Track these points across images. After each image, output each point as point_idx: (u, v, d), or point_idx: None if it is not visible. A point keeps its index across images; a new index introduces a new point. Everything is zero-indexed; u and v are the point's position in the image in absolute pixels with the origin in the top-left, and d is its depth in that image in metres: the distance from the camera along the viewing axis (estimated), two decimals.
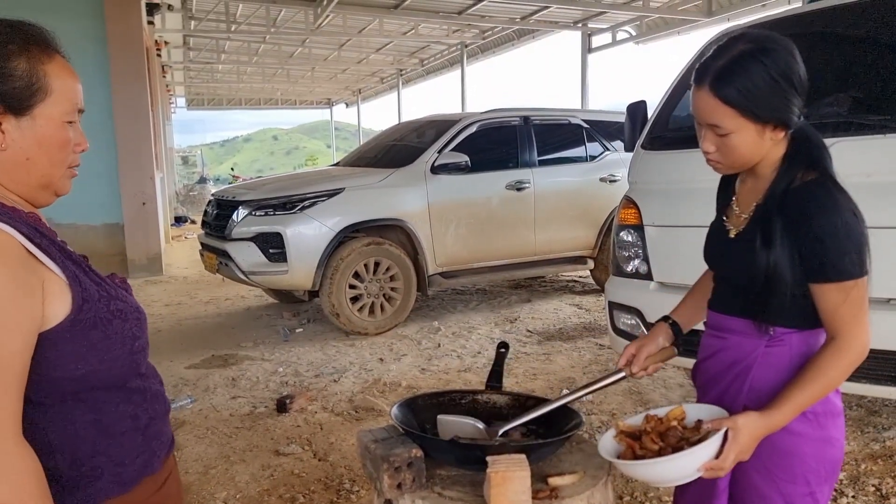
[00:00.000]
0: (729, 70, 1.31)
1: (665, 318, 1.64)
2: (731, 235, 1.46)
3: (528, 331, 5.69)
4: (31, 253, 0.99)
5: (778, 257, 1.33)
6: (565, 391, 4.19)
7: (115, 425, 1.09)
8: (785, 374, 1.38)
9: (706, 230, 1.58)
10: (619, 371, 1.58)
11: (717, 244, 1.52)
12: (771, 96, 1.30)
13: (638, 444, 1.35)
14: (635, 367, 1.56)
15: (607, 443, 1.39)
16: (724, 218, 1.51)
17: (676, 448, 1.31)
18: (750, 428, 1.28)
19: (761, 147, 1.35)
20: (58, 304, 1.01)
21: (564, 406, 1.57)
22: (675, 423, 1.37)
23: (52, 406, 1.03)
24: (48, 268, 1.01)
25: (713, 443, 1.26)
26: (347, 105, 28.87)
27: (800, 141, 1.37)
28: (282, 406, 3.96)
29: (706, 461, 1.26)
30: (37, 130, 1.06)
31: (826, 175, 1.36)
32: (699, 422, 1.35)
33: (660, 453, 1.31)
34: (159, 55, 13.56)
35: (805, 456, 1.38)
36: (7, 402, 0.94)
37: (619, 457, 1.34)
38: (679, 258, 3.22)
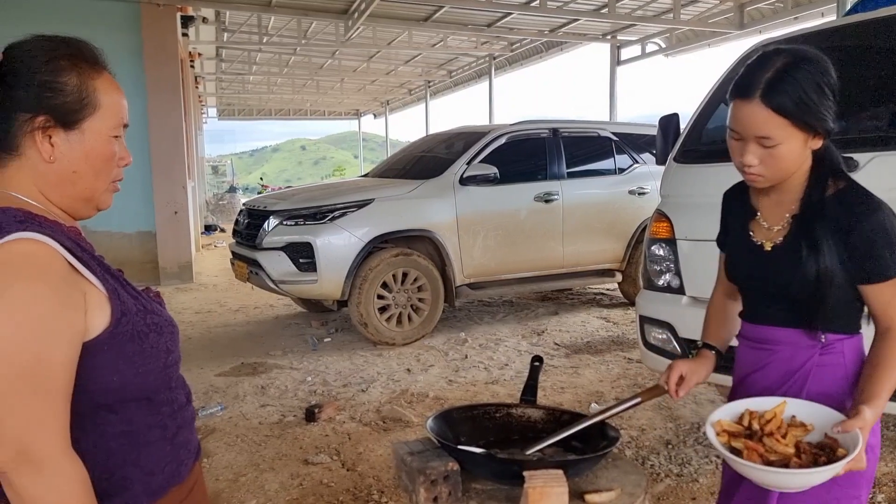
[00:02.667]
0: (780, 80, 1.33)
1: (708, 346, 1.65)
2: (767, 249, 1.48)
3: (556, 343, 5.66)
4: (73, 266, 1.01)
5: (828, 263, 1.37)
6: (594, 405, 4.16)
7: (144, 435, 1.10)
8: (841, 380, 1.42)
9: None
10: (658, 387, 1.57)
11: (749, 260, 1.52)
12: (820, 104, 1.33)
13: (762, 446, 1.31)
14: (682, 392, 1.57)
15: (720, 446, 1.33)
16: (751, 233, 1.52)
17: (805, 451, 1.29)
18: (871, 423, 1.30)
19: (803, 157, 1.39)
20: (98, 317, 1.02)
21: (601, 422, 1.56)
22: (784, 422, 1.35)
23: (85, 416, 1.04)
24: (89, 281, 1.03)
25: (862, 447, 1.25)
26: (375, 116, 29.06)
27: (823, 151, 1.41)
28: (310, 415, 3.99)
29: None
30: (85, 144, 1.08)
31: (853, 181, 1.42)
32: (793, 418, 1.36)
33: (799, 456, 1.29)
34: (192, 66, 13.80)
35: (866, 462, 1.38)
36: (56, 413, 0.96)
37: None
38: (712, 272, 3.17)
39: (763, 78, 1.35)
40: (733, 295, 1.68)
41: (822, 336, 1.43)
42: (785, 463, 1.28)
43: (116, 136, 1.12)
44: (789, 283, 1.43)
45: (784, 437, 1.32)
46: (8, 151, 1.06)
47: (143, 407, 1.09)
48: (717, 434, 1.36)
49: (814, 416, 1.36)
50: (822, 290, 1.38)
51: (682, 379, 1.58)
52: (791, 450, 1.30)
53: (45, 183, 1.08)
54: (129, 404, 1.07)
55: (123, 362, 1.05)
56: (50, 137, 1.05)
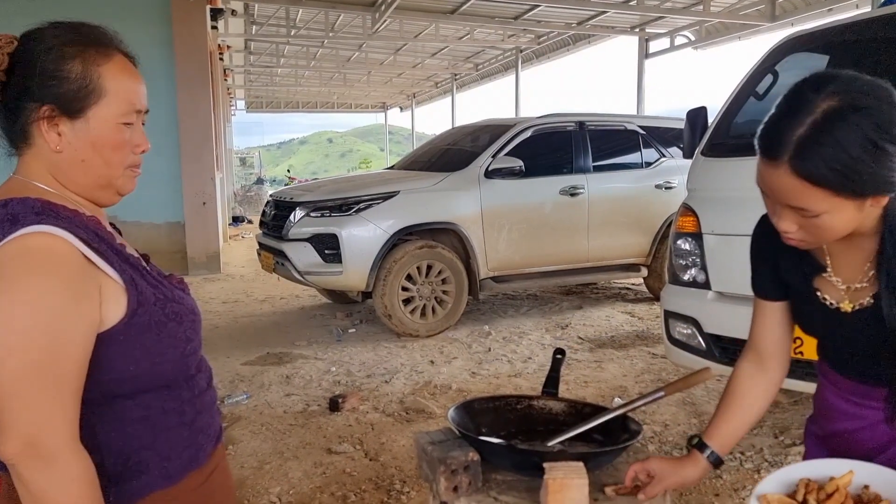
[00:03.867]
0: (814, 142, 1.02)
1: (700, 446, 1.36)
2: (847, 311, 1.22)
3: (580, 338, 5.64)
4: (88, 258, 1.00)
5: None
6: (617, 399, 4.14)
7: (162, 421, 1.10)
8: None
9: None
10: (682, 381, 1.55)
11: (825, 322, 1.27)
12: (874, 167, 1.02)
13: None
14: (643, 495, 1.32)
15: None
16: (818, 292, 1.26)
17: None
18: None
19: (859, 219, 1.10)
20: (113, 307, 1.02)
21: (623, 415, 1.55)
22: (850, 496, 1.13)
23: (102, 404, 1.04)
24: (105, 272, 1.02)
25: None
26: (402, 109, 29.11)
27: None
28: (334, 405, 4.02)
29: None
30: (90, 132, 1.06)
31: None
32: (866, 488, 1.14)
33: None
34: (221, 59, 13.94)
35: None
36: (64, 409, 0.96)
37: None
38: (738, 267, 3.13)
39: (794, 135, 1.04)
40: (766, 364, 1.38)
41: None
42: None
43: (128, 123, 1.10)
44: (884, 347, 1.18)
45: None
46: (23, 141, 1.07)
47: (160, 394, 1.09)
48: None
49: (894, 486, 1.12)
50: None
51: (649, 476, 1.33)
52: None
53: (57, 171, 1.08)
54: (146, 392, 1.07)
55: (140, 352, 1.04)
56: (57, 126, 1.05)
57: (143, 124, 1.15)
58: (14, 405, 0.93)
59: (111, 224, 1.19)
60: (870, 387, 1.26)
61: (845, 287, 1.23)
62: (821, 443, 1.40)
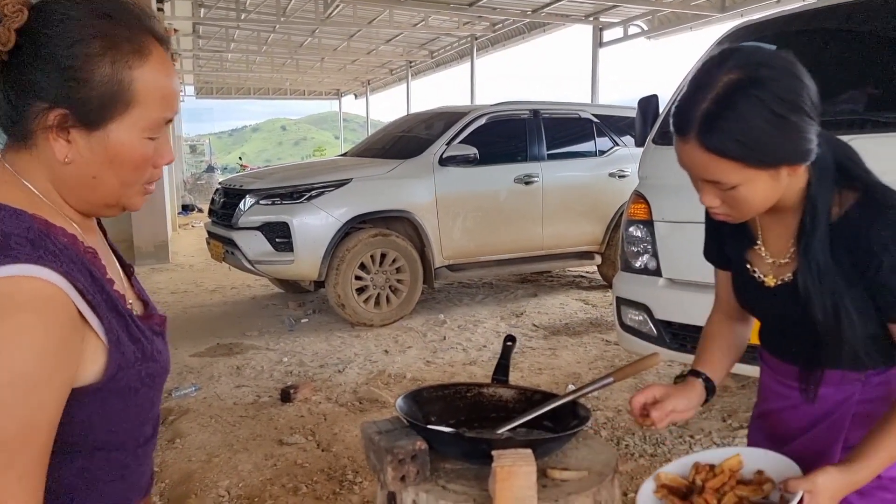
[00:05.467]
0: (716, 115, 1.04)
1: (696, 373, 1.39)
2: (771, 285, 1.24)
3: (534, 325, 5.67)
4: (80, 312, 0.84)
5: (844, 303, 1.13)
6: (571, 387, 4.17)
7: (101, 476, 0.94)
8: None
9: None
10: (631, 366, 1.55)
11: (753, 295, 1.30)
12: (778, 137, 1.04)
13: None
14: (658, 419, 1.33)
15: (647, 501, 1.18)
16: (749, 265, 1.28)
17: None
18: (831, 489, 1.08)
19: (778, 190, 1.12)
20: (90, 367, 0.86)
21: (573, 401, 1.54)
22: (730, 475, 1.17)
23: None
24: (92, 328, 0.86)
25: None
26: (356, 96, 28.80)
27: (820, 157, 1.11)
28: (286, 396, 3.96)
29: None
30: (109, 148, 0.88)
31: (871, 186, 1.14)
32: (759, 473, 1.17)
33: None
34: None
35: None
36: (34, 478, 0.81)
37: None
38: (689, 254, 3.18)
39: (699, 110, 1.05)
40: (736, 317, 1.42)
41: (861, 376, 1.20)
42: None
43: (153, 137, 0.91)
44: (803, 324, 1.18)
45: (724, 495, 1.14)
46: (21, 140, 0.88)
47: (108, 453, 0.95)
48: (657, 489, 1.20)
49: (787, 472, 1.15)
50: (840, 332, 1.14)
51: (656, 402, 1.34)
52: None
53: (60, 183, 0.89)
54: (94, 451, 0.93)
55: (100, 419, 0.89)
56: (68, 133, 0.86)
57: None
58: None
59: (98, 224, 1.04)
60: (791, 366, 1.29)
61: (772, 261, 1.25)
62: (757, 424, 1.43)
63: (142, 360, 0.92)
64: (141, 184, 0.94)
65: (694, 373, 1.40)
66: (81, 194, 0.91)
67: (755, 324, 1.44)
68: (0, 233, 0.81)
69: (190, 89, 26.48)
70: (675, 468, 1.25)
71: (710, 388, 1.38)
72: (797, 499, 1.06)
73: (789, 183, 1.12)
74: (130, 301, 0.98)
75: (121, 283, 0.98)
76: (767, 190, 1.10)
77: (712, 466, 1.20)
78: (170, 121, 0.93)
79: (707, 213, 1.37)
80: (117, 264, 1.04)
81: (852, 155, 1.18)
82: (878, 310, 1.14)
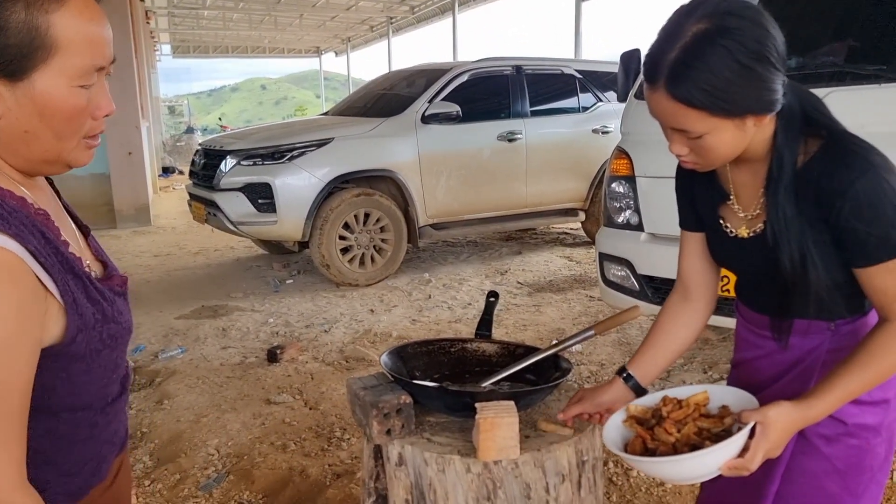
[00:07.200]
0: (684, 64, 1.05)
1: (621, 372, 1.41)
2: (744, 236, 1.26)
3: (519, 283, 5.71)
4: (38, 277, 0.84)
5: (811, 250, 1.15)
6: (555, 342, 4.22)
7: (70, 435, 0.95)
8: None
9: None
10: (612, 319, 1.57)
11: (729, 249, 1.31)
12: (744, 86, 1.06)
13: (650, 434, 1.19)
14: (594, 416, 1.38)
15: (613, 430, 1.23)
16: (721, 220, 1.30)
17: (694, 442, 1.15)
18: (783, 422, 1.10)
19: (744, 139, 1.13)
20: (51, 329, 0.86)
21: (555, 354, 1.57)
22: (694, 409, 1.21)
23: None
24: (50, 291, 0.85)
25: (737, 440, 1.09)
26: (337, 54, 28.32)
27: (787, 107, 1.13)
28: (272, 356, 3.98)
29: (729, 459, 1.09)
30: (36, 99, 0.84)
31: (835, 133, 1.15)
32: (724, 408, 1.20)
33: (675, 447, 1.16)
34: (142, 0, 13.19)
35: (876, 447, 1.25)
36: (11, 445, 0.82)
37: (626, 447, 1.20)
38: (671, 209, 3.19)
39: (667, 59, 1.07)
40: (692, 297, 1.42)
41: (831, 325, 1.24)
42: (670, 453, 1.15)
43: (85, 86, 0.88)
44: (773, 274, 1.21)
45: (685, 425, 1.18)
46: None
47: (74, 413, 0.95)
48: (625, 420, 1.25)
49: (750, 407, 1.17)
50: (807, 281, 1.16)
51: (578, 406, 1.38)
52: (672, 438, 1.16)
53: None
54: (59, 412, 0.93)
55: (63, 382, 0.89)
56: None
57: (107, 77, 0.94)
58: None
59: (50, 183, 1.02)
60: (763, 315, 1.32)
61: (744, 215, 1.27)
62: (734, 373, 1.46)
63: (102, 322, 0.92)
64: (80, 137, 0.91)
65: (621, 371, 1.41)
66: (18, 151, 0.88)
67: (710, 311, 1.45)
68: None
69: (166, 48, 25.90)
70: (647, 401, 1.29)
71: (635, 389, 1.39)
72: (747, 428, 1.09)
73: (756, 133, 1.14)
74: (88, 262, 0.96)
75: (77, 245, 0.97)
76: (734, 139, 1.12)
77: (680, 400, 1.24)
78: (102, 68, 0.90)
79: (677, 176, 1.41)
80: (73, 225, 1.03)
81: (819, 105, 1.18)
82: (842, 255, 1.16)
